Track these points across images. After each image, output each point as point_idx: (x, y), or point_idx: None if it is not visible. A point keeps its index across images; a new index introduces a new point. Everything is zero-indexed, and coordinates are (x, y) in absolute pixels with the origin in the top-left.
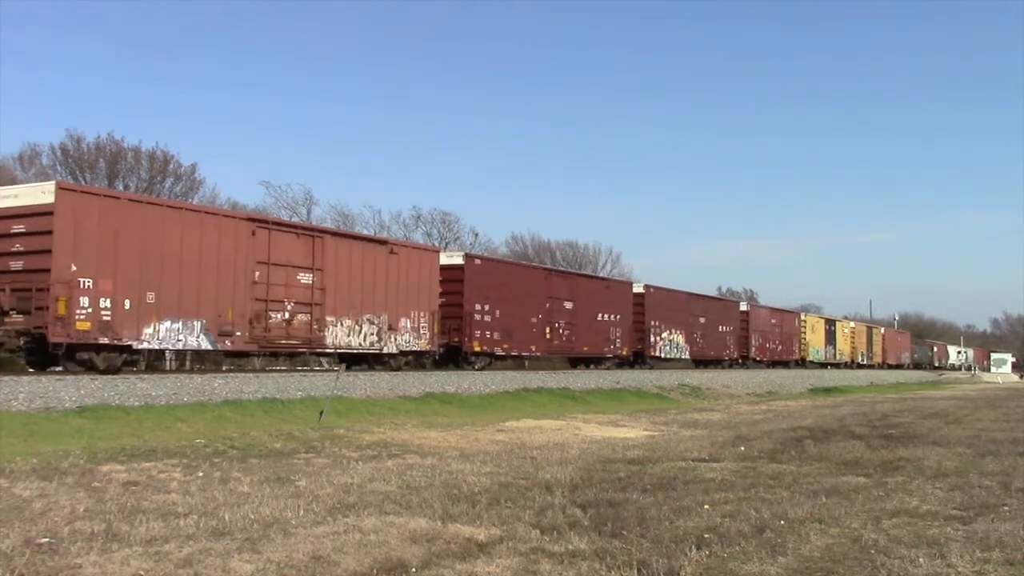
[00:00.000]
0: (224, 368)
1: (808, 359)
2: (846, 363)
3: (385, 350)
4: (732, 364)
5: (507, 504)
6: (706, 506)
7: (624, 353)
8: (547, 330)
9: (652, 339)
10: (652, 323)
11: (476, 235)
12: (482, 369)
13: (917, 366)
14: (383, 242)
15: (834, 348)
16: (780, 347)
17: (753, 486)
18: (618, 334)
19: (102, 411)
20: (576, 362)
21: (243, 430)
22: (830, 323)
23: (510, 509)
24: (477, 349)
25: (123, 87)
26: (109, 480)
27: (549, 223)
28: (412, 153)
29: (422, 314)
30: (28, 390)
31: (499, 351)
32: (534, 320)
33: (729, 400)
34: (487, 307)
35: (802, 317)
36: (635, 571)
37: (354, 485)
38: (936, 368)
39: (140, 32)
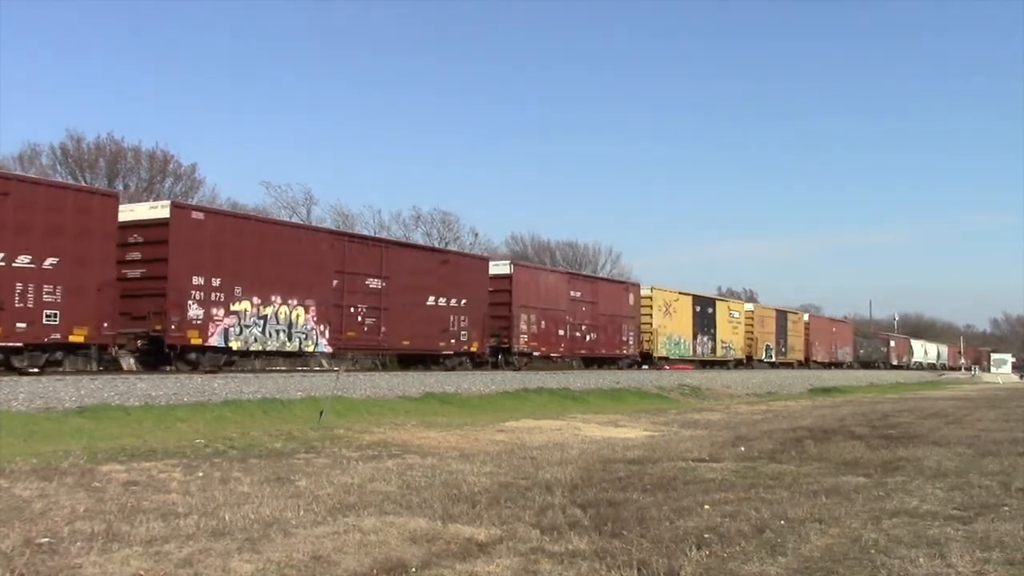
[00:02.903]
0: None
1: (656, 354)
2: (736, 360)
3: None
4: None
5: (507, 504)
6: (706, 506)
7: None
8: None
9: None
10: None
11: (476, 235)
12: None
13: (866, 365)
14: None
15: (711, 339)
16: (594, 337)
17: (753, 486)
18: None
19: (102, 411)
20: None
21: (243, 430)
22: (702, 303)
23: (510, 509)
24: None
25: (123, 87)
26: (109, 480)
27: (549, 223)
28: (412, 153)
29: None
30: (28, 390)
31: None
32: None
33: (729, 400)
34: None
35: (643, 292)
36: (635, 571)
37: (354, 485)
38: (895, 367)
39: (140, 32)
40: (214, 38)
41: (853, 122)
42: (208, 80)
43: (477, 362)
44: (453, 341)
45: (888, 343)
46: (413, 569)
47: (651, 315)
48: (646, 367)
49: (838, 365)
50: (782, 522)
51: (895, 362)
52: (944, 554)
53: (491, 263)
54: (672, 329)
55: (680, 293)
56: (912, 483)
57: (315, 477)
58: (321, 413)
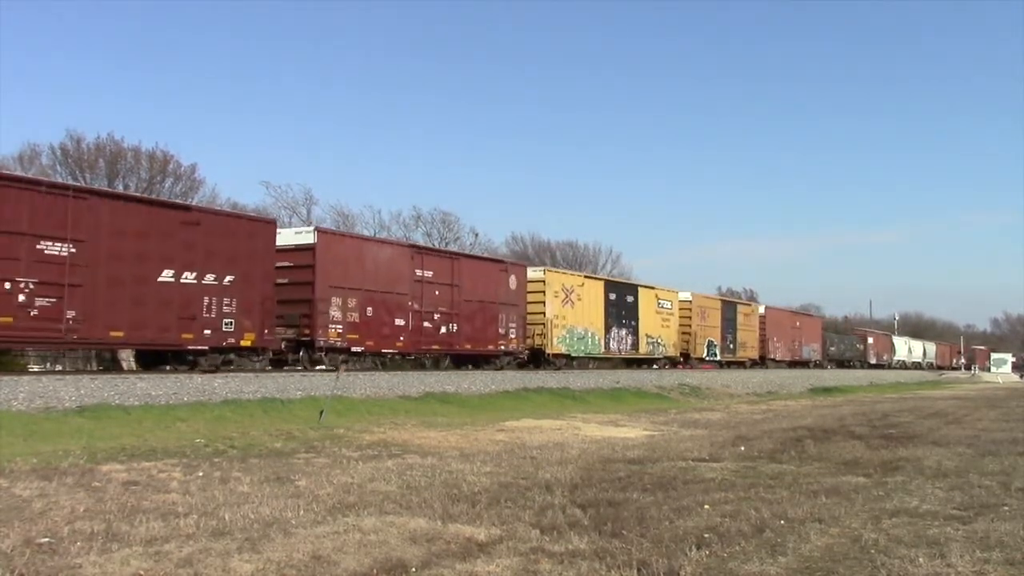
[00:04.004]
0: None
1: (551, 351)
2: (668, 360)
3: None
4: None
5: (507, 504)
6: (706, 506)
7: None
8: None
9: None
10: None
11: (476, 235)
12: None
13: (842, 364)
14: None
15: (632, 333)
16: (454, 328)
17: (753, 486)
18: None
19: (102, 411)
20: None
21: (243, 430)
22: (619, 290)
23: (510, 509)
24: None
25: (123, 87)
26: (109, 480)
27: (549, 223)
28: (412, 153)
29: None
30: (28, 390)
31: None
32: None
33: (729, 400)
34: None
35: (532, 274)
36: (635, 571)
37: (354, 485)
38: (874, 366)
39: (140, 32)
40: (214, 38)
41: (853, 122)
42: (208, 80)
43: (255, 360)
44: (208, 332)
45: (865, 340)
46: (413, 569)
47: (544, 302)
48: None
49: (803, 364)
50: (782, 522)
51: (873, 361)
52: (944, 554)
53: (289, 229)
54: (575, 320)
55: (587, 277)
56: (912, 483)
57: (315, 477)
58: (321, 413)
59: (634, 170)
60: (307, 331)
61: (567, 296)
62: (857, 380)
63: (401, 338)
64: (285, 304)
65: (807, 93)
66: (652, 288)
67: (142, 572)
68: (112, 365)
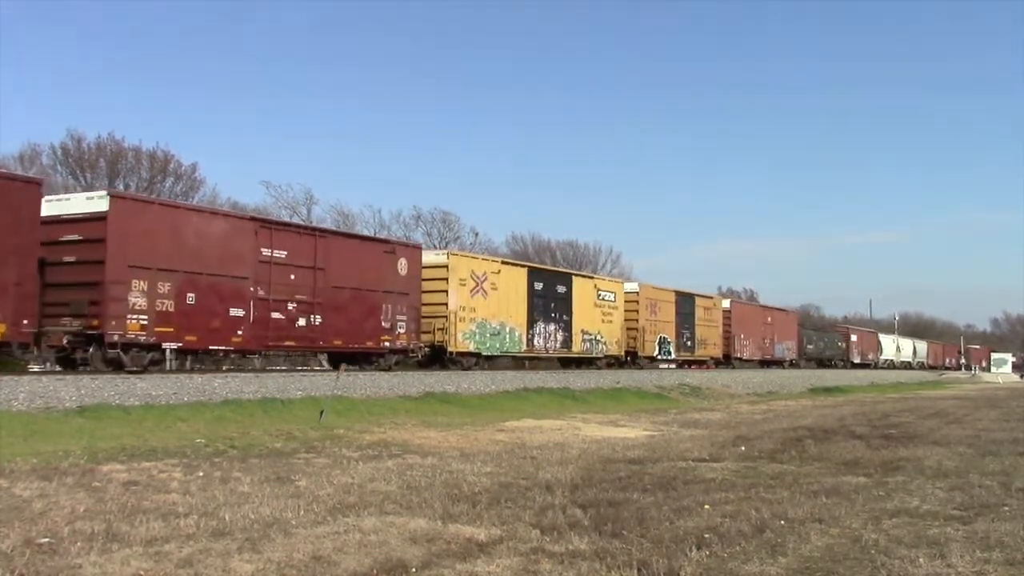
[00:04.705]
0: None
1: (454, 348)
2: (611, 359)
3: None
4: None
5: (507, 504)
6: (706, 506)
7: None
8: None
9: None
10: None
11: (476, 235)
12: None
13: (822, 364)
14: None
15: (564, 328)
16: (318, 321)
17: (753, 486)
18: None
19: (102, 411)
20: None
21: (243, 430)
22: (547, 279)
23: (510, 509)
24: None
25: (123, 87)
26: (109, 480)
27: (549, 223)
28: (412, 153)
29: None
30: (28, 390)
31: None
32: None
33: (729, 400)
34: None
35: (431, 259)
36: (635, 571)
37: (354, 485)
38: (858, 365)
39: (140, 32)
40: (214, 38)
41: (853, 122)
42: (208, 80)
43: (20, 358)
44: None
45: (848, 337)
46: (413, 569)
47: (446, 292)
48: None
49: (777, 363)
50: (782, 522)
51: (857, 360)
52: (944, 554)
53: (81, 195)
54: (488, 313)
55: (505, 263)
56: (912, 483)
57: (315, 477)
58: (321, 413)
59: (634, 170)
60: (96, 322)
61: (478, 285)
62: (858, 380)
63: (239, 332)
64: (70, 288)
65: (807, 93)
66: (591, 278)
67: (142, 572)
68: None
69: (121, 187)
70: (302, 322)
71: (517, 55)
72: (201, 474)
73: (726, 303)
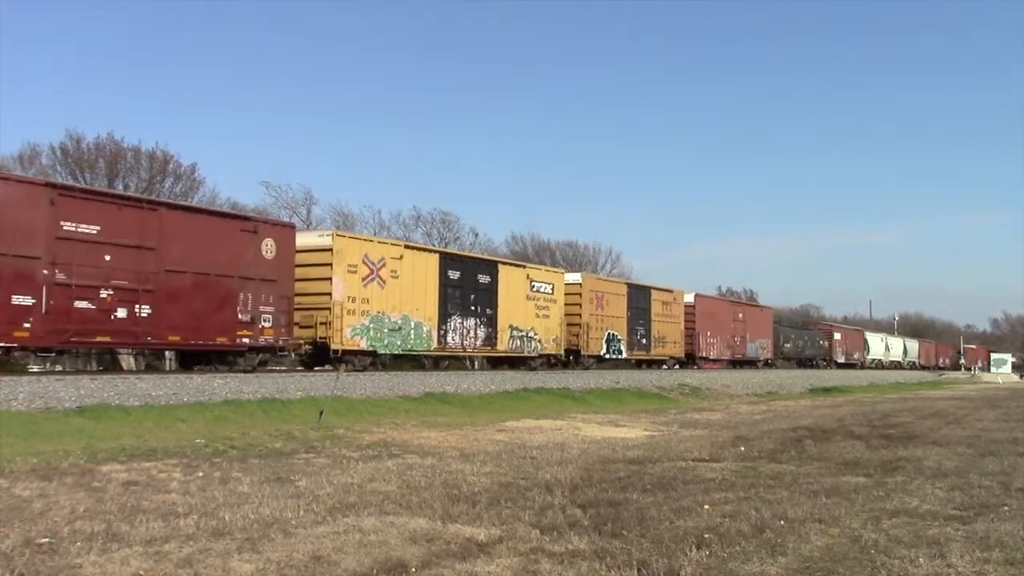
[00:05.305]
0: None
1: (339, 346)
2: (548, 357)
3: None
4: None
5: (507, 504)
6: (706, 506)
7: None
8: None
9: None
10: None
11: (476, 235)
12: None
13: (802, 363)
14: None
15: (488, 324)
16: (147, 313)
17: (753, 486)
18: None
19: (102, 411)
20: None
21: (243, 430)
22: (466, 267)
23: (510, 509)
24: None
25: (123, 87)
26: (109, 480)
27: (549, 223)
28: (412, 153)
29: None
30: (28, 390)
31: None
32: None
33: (729, 400)
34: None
35: (312, 241)
36: (635, 571)
37: (354, 485)
38: (843, 365)
39: (140, 32)
40: (214, 37)
41: (853, 122)
42: (208, 79)
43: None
44: None
45: (831, 335)
46: (413, 569)
47: (330, 279)
48: (325, 369)
49: (750, 364)
50: (782, 522)
51: (842, 359)
52: (944, 554)
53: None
54: (386, 305)
55: (408, 247)
56: (912, 483)
57: (315, 477)
58: (321, 413)
59: (635, 170)
60: None
61: (373, 272)
62: (858, 380)
63: (26, 324)
64: None
65: (807, 93)
66: (522, 267)
67: (142, 572)
68: None
69: (121, 187)
70: (121, 313)
71: (517, 55)
72: (201, 474)
73: (689, 297)
